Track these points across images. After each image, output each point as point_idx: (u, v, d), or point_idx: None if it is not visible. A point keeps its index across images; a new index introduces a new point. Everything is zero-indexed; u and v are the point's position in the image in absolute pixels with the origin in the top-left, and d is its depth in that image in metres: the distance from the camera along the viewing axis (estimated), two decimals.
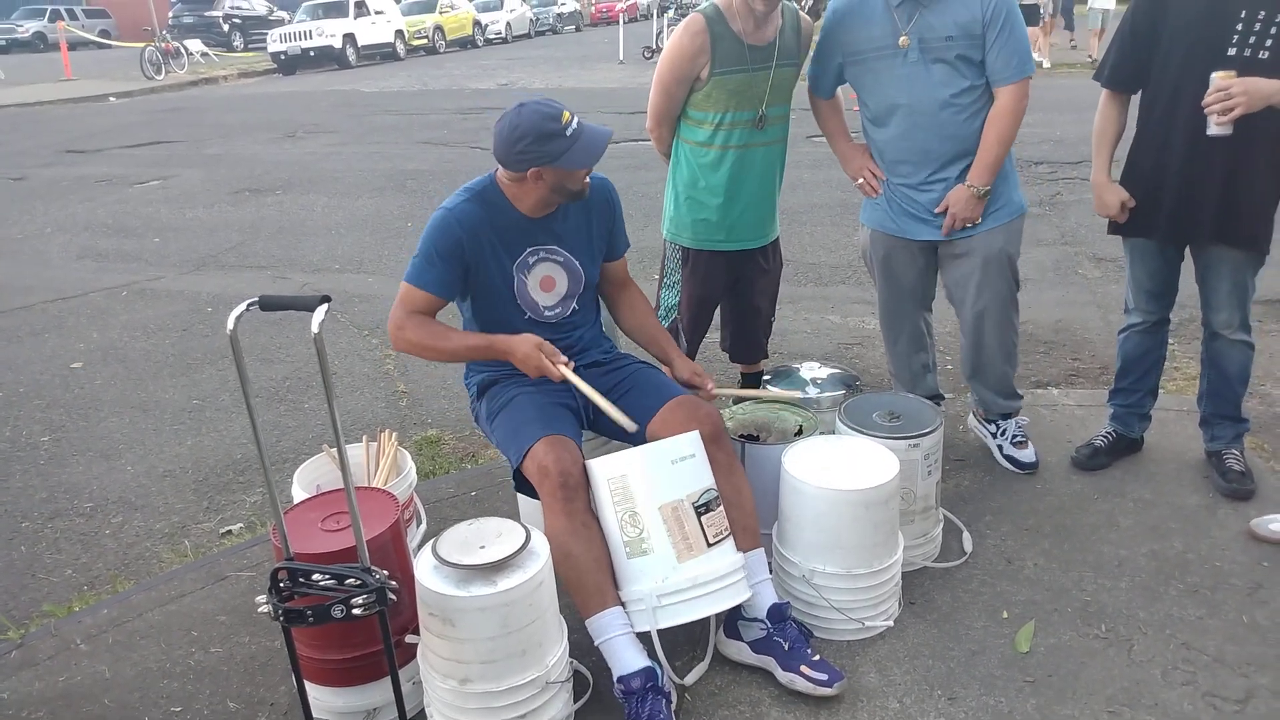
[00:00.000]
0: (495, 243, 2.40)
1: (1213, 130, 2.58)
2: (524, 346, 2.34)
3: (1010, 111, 2.81)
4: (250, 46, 25.94)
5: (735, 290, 3.29)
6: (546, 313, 2.49)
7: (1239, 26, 2.59)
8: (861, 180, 3.07)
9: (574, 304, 2.54)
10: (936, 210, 2.93)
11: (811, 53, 3.07)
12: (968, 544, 2.79)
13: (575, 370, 2.39)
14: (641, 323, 2.73)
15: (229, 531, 3.23)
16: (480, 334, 2.43)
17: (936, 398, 3.30)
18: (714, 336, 3.53)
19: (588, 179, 2.40)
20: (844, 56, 2.94)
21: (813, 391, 3.01)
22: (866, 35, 2.86)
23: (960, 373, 3.31)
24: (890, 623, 2.47)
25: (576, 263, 2.50)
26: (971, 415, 3.35)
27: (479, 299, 2.46)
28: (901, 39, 2.79)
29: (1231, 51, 2.60)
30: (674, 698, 2.19)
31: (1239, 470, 3.01)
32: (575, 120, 2.31)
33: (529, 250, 2.44)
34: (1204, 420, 3.13)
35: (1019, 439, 3.16)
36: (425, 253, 2.37)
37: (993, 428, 3.22)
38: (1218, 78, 2.54)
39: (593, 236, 2.55)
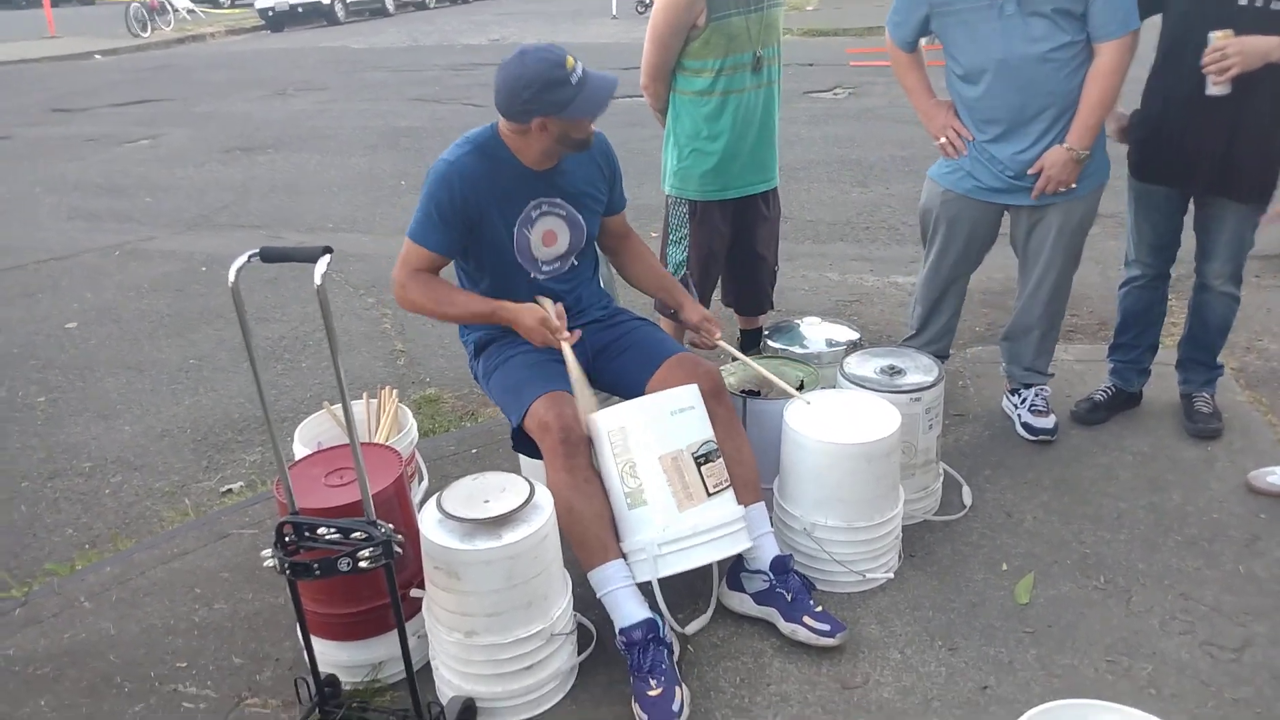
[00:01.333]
0: (498, 197, 2.36)
1: (1211, 90, 2.59)
2: (528, 319, 2.32)
3: (1114, 69, 2.65)
4: (237, 3, 25.53)
5: (738, 241, 3.27)
6: (545, 268, 2.46)
7: None
8: (944, 140, 2.89)
9: (573, 259, 2.51)
10: (1030, 171, 2.77)
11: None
12: (967, 497, 2.81)
13: (574, 347, 2.39)
14: (648, 270, 2.72)
15: (229, 490, 3.24)
16: (485, 299, 2.40)
17: (945, 355, 3.29)
18: (716, 294, 3.51)
19: (590, 131, 2.36)
20: (931, 6, 2.76)
21: (814, 347, 3.00)
22: None
23: (1000, 334, 3.27)
24: (891, 575, 2.49)
25: (579, 216, 2.47)
26: (1004, 395, 3.30)
27: (479, 255, 2.43)
28: None
29: (1243, 1, 2.55)
30: (676, 649, 2.21)
31: (1206, 412, 3.08)
32: (579, 67, 2.23)
33: (532, 204, 2.40)
34: (1180, 362, 3.19)
35: (1038, 407, 3.12)
36: (426, 208, 2.33)
37: (1016, 398, 3.19)
38: (1215, 37, 2.53)
39: (594, 189, 2.51)
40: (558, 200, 2.43)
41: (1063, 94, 2.70)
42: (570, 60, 2.22)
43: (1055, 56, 2.66)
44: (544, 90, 2.20)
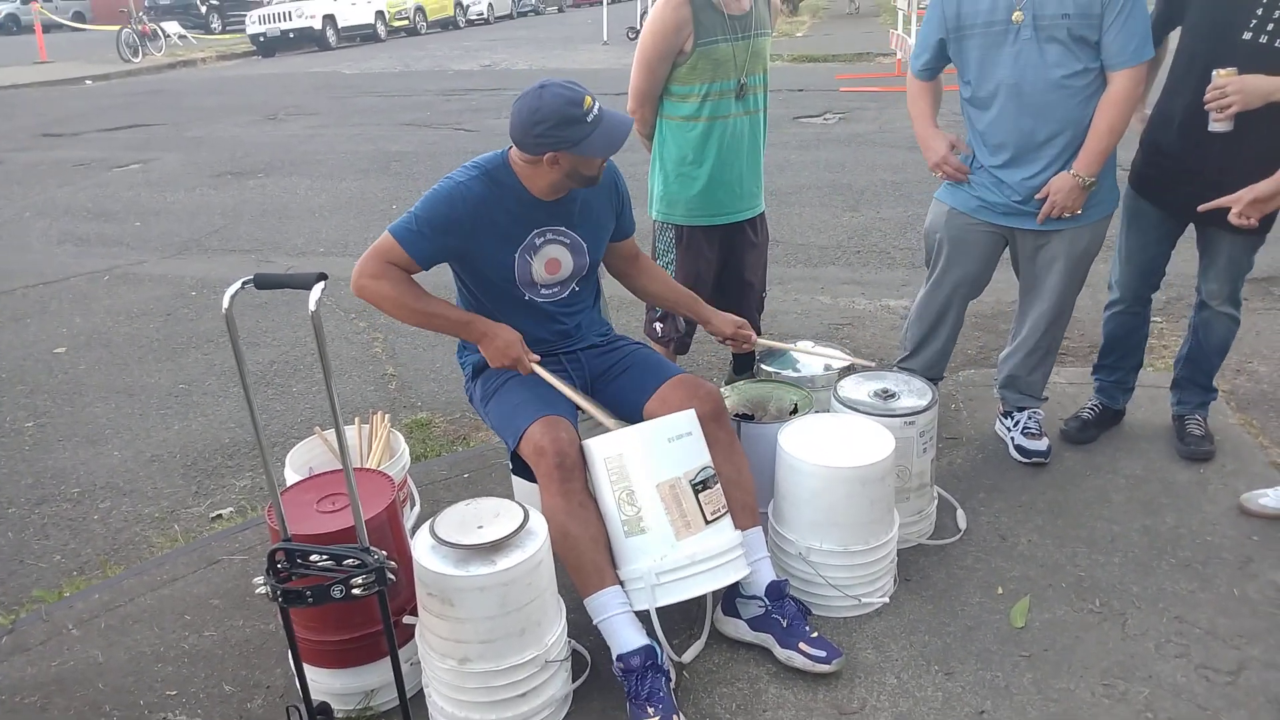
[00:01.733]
0: (500, 224, 2.34)
1: (1213, 126, 2.62)
2: (507, 335, 2.34)
3: (1125, 98, 2.64)
4: (228, 29, 25.56)
5: (727, 266, 3.28)
6: (545, 291, 2.46)
7: (1259, 11, 2.55)
8: (940, 174, 2.93)
9: (574, 285, 2.51)
10: (1037, 196, 2.78)
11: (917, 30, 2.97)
12: (962, 521, 2.81)
13: (550, 368, 2.42)
14: (666, 285, 2.76)
15: (219, 515, 3.21)
16: (459, 311, 2.40)
17: (938, 378, 3.30)
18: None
19: (600, 169, 2.34)
20: (948, 31, 2.77)
21: (807, 372, 3.01)
22: (975, 9, 2.70)
23: (998, 363, 3.28)
24: (886, 599, 2.48)
25: (584, 244, 2.47)
26: (997, 419, 3.30)
27: (477, 276, 2.42)
28: (1015, 14, 2.63)
29: (1247, 36, 2.56)
30: (673, 676, 2.20)
31: (1198, 434, 3.09)
32: (597, 106, 2.23)
33: (535, 232, 2.39)
34: (1175, 383, 3.20)
35: (1031, 430, 3.13)
36: (419, 219, 2.30)
37: (1009, 421, 3.20)
38: (1218, 75, 2.55)
39: (600, 219, 2.51)
40: (562, 229, 2.42)
41: (1075, 121, 2.70)
42: (589, 100, 2.22)
43: (1069, 84, 2.66)
44: (558, 126, 2.19)
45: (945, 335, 3.16)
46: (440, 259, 2.36)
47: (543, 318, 2.47)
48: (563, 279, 2.48)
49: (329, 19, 21.03)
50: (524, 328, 2.43)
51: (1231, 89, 2.53)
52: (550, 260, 2.43)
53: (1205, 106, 2.58)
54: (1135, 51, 2.62)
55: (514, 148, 2.34)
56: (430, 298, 2.36)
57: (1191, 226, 2.94)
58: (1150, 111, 2.91)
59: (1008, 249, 3.02)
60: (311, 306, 1.72)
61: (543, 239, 2.40)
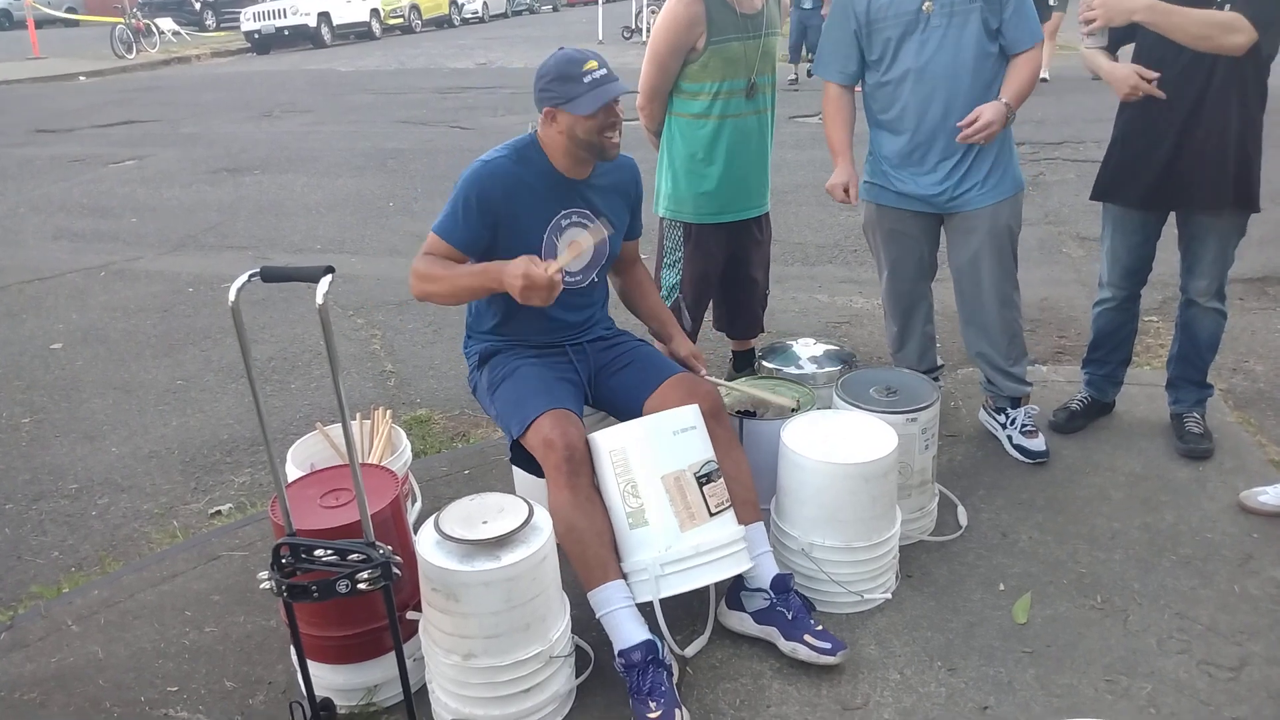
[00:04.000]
0: (529, 200, 2.38)
1: (1086, 44, 2.82)
2: (515, 265, 2.20)
3: (1036, 67, 2.82)
4: (223, 25, 25.48)
5: (732, 264, 3.28)
6: (568, 278, 2.46)
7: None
8: (840, 197, 2.98)
9: (594, 275, 2.53)
10: (964, 121, 2.76)
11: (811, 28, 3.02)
12: (963, 518, 2.81)
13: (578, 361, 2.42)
14: (648, 302, 2.76)
15: (218, 512, 3.20)
16: (480, 265, 2.33)
17: (936, 369, 3.31)
18: (707, 318, 3.51)
19: (611, 139, 2.35)
20: (859, 26, 2.86)
21: (809, 368, 3.01)
22: (884, 1, 2.79)
23: (966, 352, 3.30)
24: (889, 595, 2.48)
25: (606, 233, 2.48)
26: (981, 408, 3.33)
27: (505, 258, 2.41)
28: (926, 4, 2.74)
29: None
30: (675, 670, 2.20)
31: (1197, 432, 3.11)
32: (601, 71, 2.30)
33: (562, 213, 2.42)
34: (1170, 383, 3.23)
35: (1029, 428, 3.14)
36: (454, 204, 2.35)
37: (1002, 417, 3.20)
38: None
39: (621, 210, 2.55)
40: (587, 213, 2.45)
41: (980, 103, 2.78)
42: (593, 64, 2.29)
43: (979, 67, 2.78)
44: (555, 81, 2.29)
45: (921, 320, 3.22)
46: (482, 241, 2.36)
47: (560, 306, 2.46)
48: (584, 266, 2.49)
49: (324, 16, 20.97)
50: (546, 317, 2.45)
51: (1097, 3, 2.67)
52: (574, 243, 2.43)
53: (1080, 19, 2.76)
54: (1032, 34, 2.80)
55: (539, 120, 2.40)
56: (459, 266, 2.36)
57: (1173, 227, 3.00)
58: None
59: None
60: (319, 299, 1.71)
61: (568, 220, 2.43)
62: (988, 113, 2.74)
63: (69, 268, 5.91)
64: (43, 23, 23.94)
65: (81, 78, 17.05)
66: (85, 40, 22.06)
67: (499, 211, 2.35)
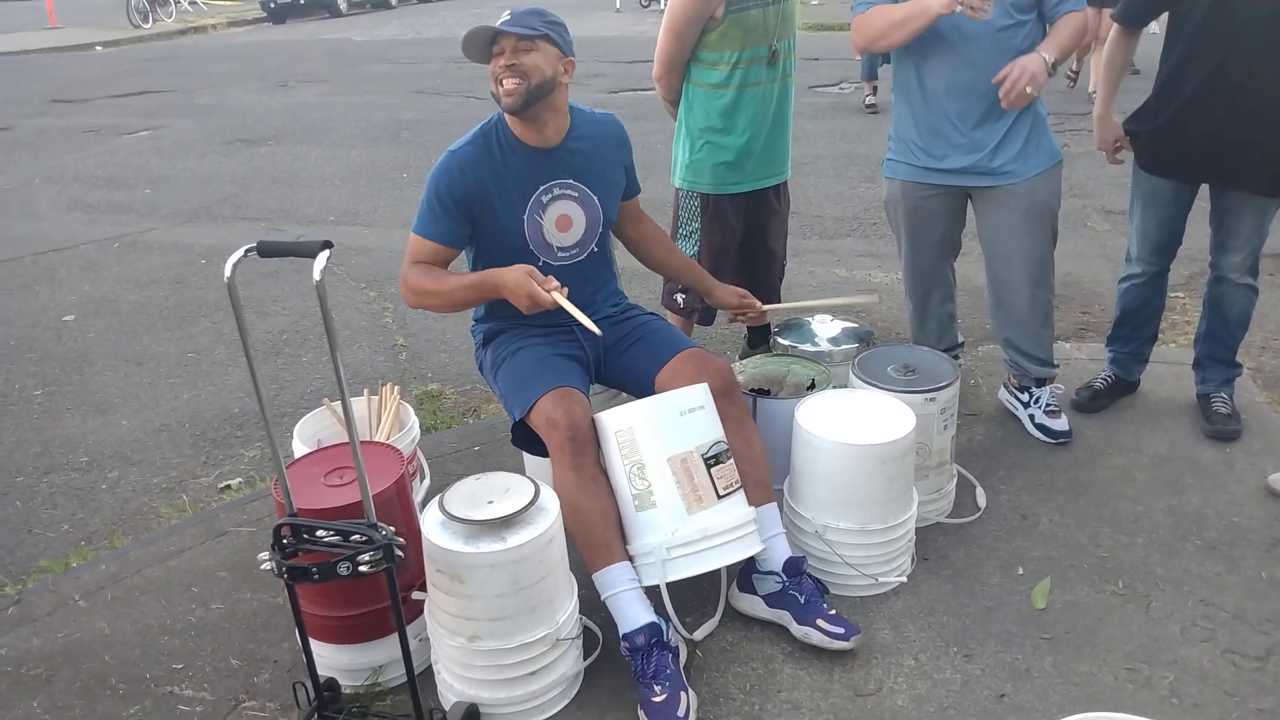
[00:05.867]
0: (504, 183, 2.30)
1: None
2: (514, 274, 2.16)
3: (1080, 29, 2.65)
4: None
5: (750, 234, 3.21)
6: (561, 254, 2.40)
7: None
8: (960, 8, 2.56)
9: (592, 246, 2.45)
10: (995, 79, 2.61)
11: None
12: (981, 499, 2.75)
13: (563, 339, 2.36)
14: (670, 253, 2.72)
15: (228, 486, 3.18)
16: (473, 273, 2.31)
17: (957, 347, 3.24)
18: None
19: (504, 86, 2.21)
20: None
21: (825, 347, 2.94)
22: None
23: (993, 335, 3.22)
24: (904, 579, 2.43)
25: (595, 198, 2.40)
26: (1002, 387, 3.24)
27: (487, 246, 2.36)
28: None
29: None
30: (682, 653, 2.16)
31: (1224, 413, 3.02)
32: (504, 16, 2.21)
33: (542, 188, 2.34)
34: (1197, 362, 3.14)
35: (1052, 408, 3.05)
36: (428, 200, 2.29)
37: (1025, 396, 3.11)
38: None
39: (608, 173, 2.45)
40: (569, 181, 2.37)
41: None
42: (506, 14, 2.21)
43: (1006, 34, 2.63)
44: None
45: (940, 299, 3.13)
46: (462, 233, 2.32)
47: (560, 280, 2.40)
48: (579, 239, 2.41)
49: None
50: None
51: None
52: (561, 217, 2.37)
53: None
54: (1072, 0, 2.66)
55: None
56: (450, 275, 2.31)
57: (1206, 200, 2.91)
58: (1153, 89, 2.86)
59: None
60: (316, 276, 1.66)
61: (549, 195, 2.35)
62: (1020, 67, 2.57)
63: (83, 239, 5.90)
64: None
65: (98, 47, 17.03)
66: (102, 10, 22.00)
67: (472, 201, 2.28)
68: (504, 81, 2.21)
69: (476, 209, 2.29)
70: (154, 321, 4.57)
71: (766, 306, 2.74)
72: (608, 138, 2.44)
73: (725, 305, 2.72)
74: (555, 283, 2.15)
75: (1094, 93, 3.07)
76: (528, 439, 2.28)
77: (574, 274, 2.41)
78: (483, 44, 2.24)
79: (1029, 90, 2.59)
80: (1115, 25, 2.88)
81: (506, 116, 2.31)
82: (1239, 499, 2.71)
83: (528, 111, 2.24)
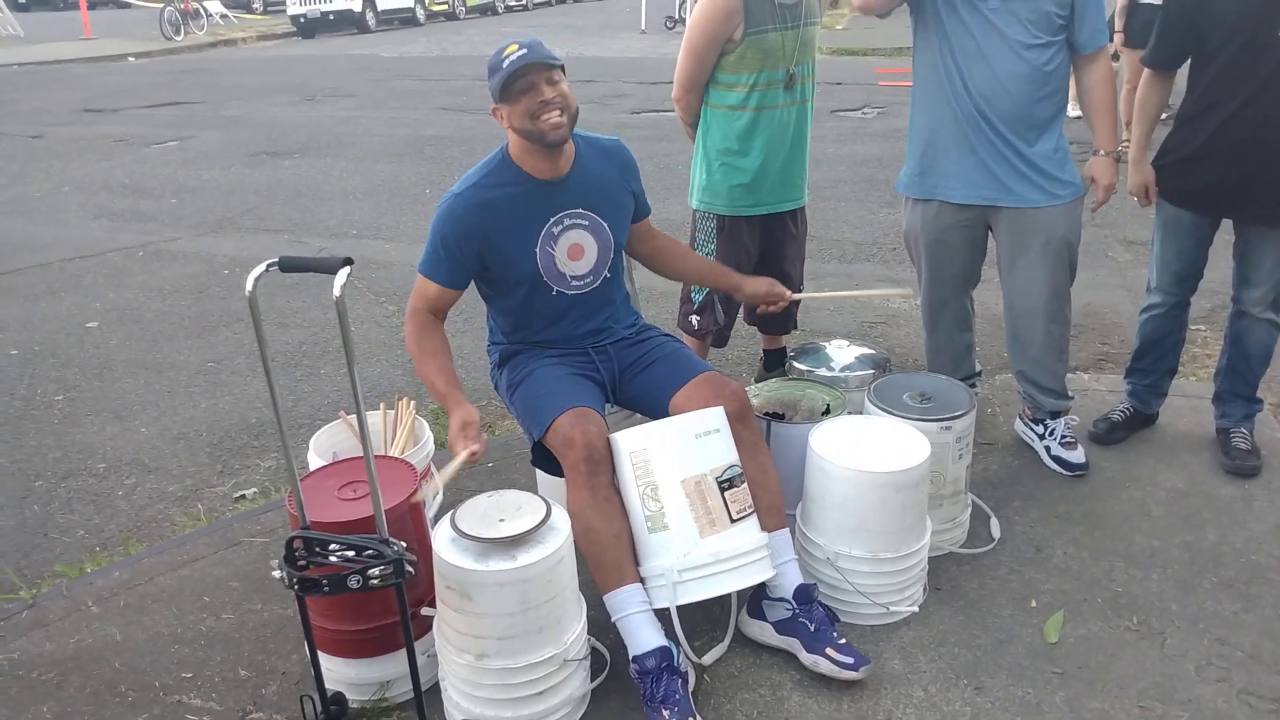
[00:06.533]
0: (508, 223, 2.31)
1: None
2: (457, 415, 2.17)
3: (1110, 76, 2.77)
4: (269, 9, 25.75)
5: (765, 257, 3.22)
6: (575, 283, 2.41)
7: None
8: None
9: (605, 273, 2.46)
10: (1085, 176, 2.84)
11: None
12: (996, 530, 2.73)
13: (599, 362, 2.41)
14: (690, 260, 2.75)
15: (243, 496, 3.20)
16: (445, 381, 2.27)
17: (974, 375, 3.22)
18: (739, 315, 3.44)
19: (546, 120, 2.20)
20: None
21: (841, 372, 2.93)
22: None
23: (1009, 365, 3.21)
24: (916, 609, 2.41)
25: (605, 225, 2.42)
26: (1018, 418, 3.22)
27: (499, 279, 2.38)
28: None
29: None
30: (691, 678, 2.15)
31: (1244, 449, 3.00)
32: (520, 51, 2.18)
33: (553, 219, 2.35)
34: (1217, 396, 3.11)
35: (1068, 439, 3.03)
36: (433, 242, 2.32)
37: (1040, 428, 3.08)
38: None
39: (616, 197, 2.46)
40: (579, 210, 2.38)
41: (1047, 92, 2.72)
42: (513, 47, 2.20)
43: (1029, 55, 2.66)
44: (489, 75, 2.24)
45: (958, 329, 3.12)
46: (469, 273, 2.35)
47: (577, 316, 2.43)
48: (592, 266, 2.42)
49: (368, 2, 21.08)
50: (559, 328, 2.42)
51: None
52: (573, 246, 2.38)
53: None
54: (1102, 33, 2.71)
55: None
56: (431, 361, 2.31)
57: (1229, 233, 2.89)
58: (1176, 122, 2.85)
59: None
60: (336, 292, 1.68)
61: (560, 226, 2.36)
62: (1100, 174, 2.82)
63: (108, 247, 5.97)
64: (95, 4, 24.28)
65: (130, 58, 17.29)
66: (135, 22, 22.36)
67: (479, 243, 2.30)
68: (549, 116, 2.20)
69: (483, 250, 2.32)
70: (175, 330, 4.62)
71: (798, 295, 2.73)
72: (614, 163, 2.46)
73: (755, 297, 2.71)
74: (477, 445, 2.11)
75: (1126, 140, 3.04)
76: (547, 459, 2.28)
77: (590, 299, 2.42)
78: (518, 78, 2.19)
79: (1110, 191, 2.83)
80: (1146, 70, 2.88)
81: (513, 151, 2.32)
82: (1257, 536, 2.68)
83: (565, 143, 2.28)
